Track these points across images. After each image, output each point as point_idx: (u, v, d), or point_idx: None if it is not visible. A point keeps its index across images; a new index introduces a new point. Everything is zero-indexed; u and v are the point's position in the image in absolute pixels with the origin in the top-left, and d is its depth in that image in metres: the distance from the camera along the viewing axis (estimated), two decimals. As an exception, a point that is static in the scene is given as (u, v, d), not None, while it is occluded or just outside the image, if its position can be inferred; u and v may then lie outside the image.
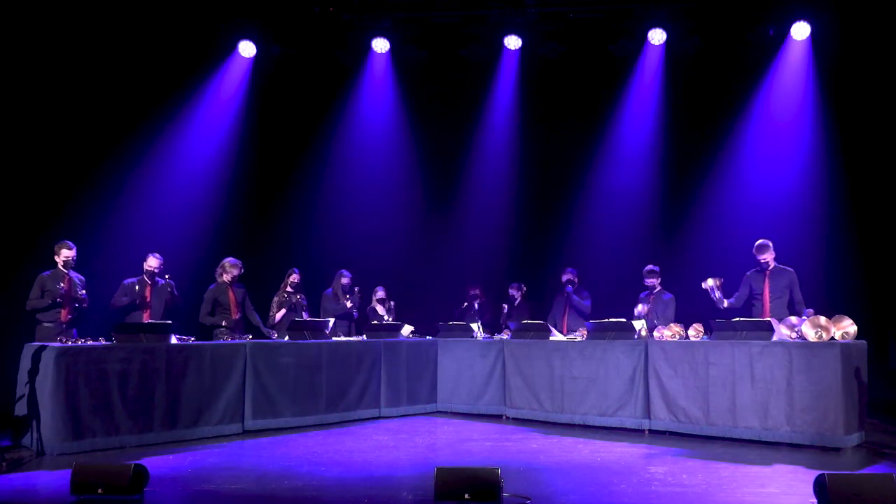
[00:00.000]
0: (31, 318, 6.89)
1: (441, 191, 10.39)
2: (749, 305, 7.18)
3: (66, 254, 6.91)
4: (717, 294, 7.05)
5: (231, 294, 7.59)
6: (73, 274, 7.00)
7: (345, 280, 8.47)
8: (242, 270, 7.68)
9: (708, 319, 6.70)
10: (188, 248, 8.77)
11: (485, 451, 5.90)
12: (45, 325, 6.86)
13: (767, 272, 7.07)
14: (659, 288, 7.92)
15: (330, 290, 8.53)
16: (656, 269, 7.94)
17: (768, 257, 7.04)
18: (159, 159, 9.19)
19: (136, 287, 7.29)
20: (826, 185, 9.04)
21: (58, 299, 6.83)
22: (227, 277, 7.59)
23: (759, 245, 7.08)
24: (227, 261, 7.64)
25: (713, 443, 6.14)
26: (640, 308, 7.79)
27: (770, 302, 7.02)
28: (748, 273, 7.26)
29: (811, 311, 6.59)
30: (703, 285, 7.08)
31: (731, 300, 7.15)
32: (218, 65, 9.54)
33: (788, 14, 8.83)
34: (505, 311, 8.77)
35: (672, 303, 7.83)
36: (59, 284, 6.83)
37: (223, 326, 7.45)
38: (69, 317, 6.94)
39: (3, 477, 4.99)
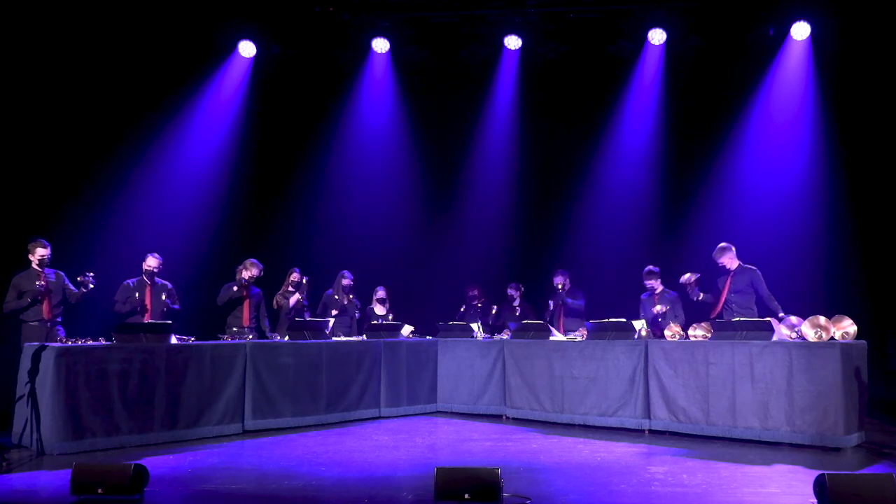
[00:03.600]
0: (16, 319, 6.84)
1: (441, 190, 10.39)
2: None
3: (40, 252, 6.84)
4: (694, 286, 7.42)
5: (246, 294, 7.69)
6: (49, 271, 6.93)
7: (346, 281, 8.48)
8: (262, 273, 7.76)
9: (708, 319, 6.71)
10: (188, 249, 8.78)
11: (485, 451, 5.90)
12: (31, 324, 6.81)
13: (732, 272, 7.34)
14: (661, 288, 7.89)
15: (331, 290, 8.54)
16: (656, 269, 7.91)
17: (725, 261, 7.33)
18: (159, 159, 9.18)
19: (136, 288, 7.29)
20: (826, 184, 9.04)
21: (38, 297, 6.79)
22: (245, 275, 7.68)
23: (718, 249, 7.38)
24: (249, 260, 7.77)
25: (713, 443, 6.14)
26: (658, 308, 7.71)
27: (724, 298, 7.32)
28: (718, 279, 7.48)
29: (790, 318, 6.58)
30: (682, 280, 7.43)
31: (708, 295, 7.49)
32: (218, 65, 9.53)
33: (788, 14, 8.83)
34: (494, 310, 8.81)
35: (679, 300, 7.82)
36: (37, 283, 6.77)
37: (233, 329, 7.57)
38: (51, 314, 6.88)
39: (3, 477, 4.99)
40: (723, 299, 7.32)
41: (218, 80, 9.58)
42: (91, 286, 6.88)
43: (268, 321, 7.95)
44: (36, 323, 6.82)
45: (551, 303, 8.56)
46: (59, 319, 6.98)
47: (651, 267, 7.92)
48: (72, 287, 6.99)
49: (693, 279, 7.41)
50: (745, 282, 7.25)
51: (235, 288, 7.64)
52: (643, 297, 8.02)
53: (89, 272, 6.88)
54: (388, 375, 7.71)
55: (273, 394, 6.89)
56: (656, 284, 7.87)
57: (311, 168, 10.13)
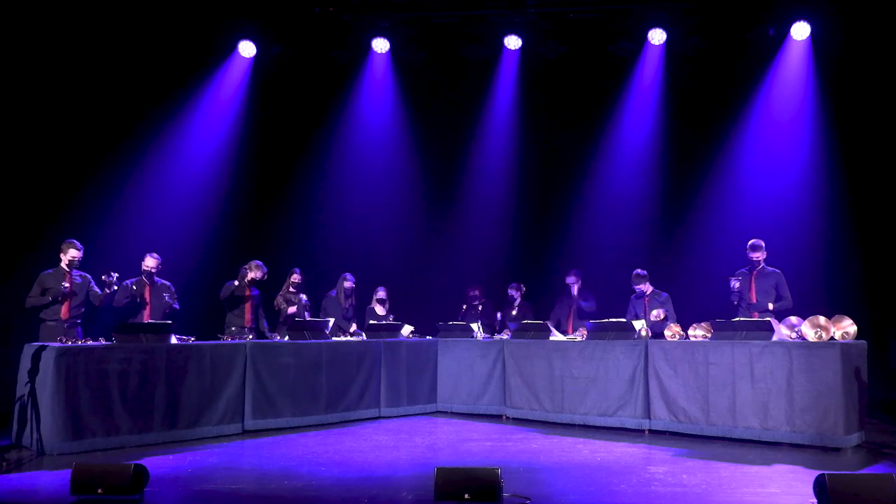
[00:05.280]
0: (34, 317, 6.89)
1: (441, 190, 10.39)
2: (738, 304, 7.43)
3: (73, 254, 6.90)
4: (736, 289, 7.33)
5: (248, 294, 7.72)
6: (76, 273, 6.97)
7: (347, 284, 8.48)
8: (265, 277, 7.77)
9: (708, 319, 6.70)
10: (188, 249, 8.78)
11: (485, 451, 5.90)
12: (49, 323, 6.86)
13: (755, 272, 7.31)
14: (651, 289, 7.88)
15: (334, 291, 8.55)
16: (643, 272, 7.90)
17: (760, 256, 7.32)
18: (159, 159, 9.18)
19: (135, 288, 7.30)
20: (826, 185, 9.05)
21: (59, 297, 6.82)
22: (249, 276, 7.70)
23: (752, 244, 7.36)
24: (255, 262, 7.79)
25: (713, 443, 6.14)
26: (655, 313, 7.63)
27: (756, 301, 7.26)
28: (738, 272, 7.45)
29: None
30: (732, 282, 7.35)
31: (735, 294, 7.41)
32: (218, 65, 9.54)
33: (788, 14, 8.83)
34: (500, 316, 8.80)
35: (670, 300, 7.82)
36: (62, 283, 6.82)
37: (232, 329, 7.57)
38: (70, 315, 6.92)
39: (3, 477, 4.99)
40: (753, 300, 7.28)
41: (218, 80, 9.58)
42: (115, 287, 6.92)
43: (266, 322, 7.96)
44: (53, 323, 6.86)
45: (564, 303, 8.55)
46: (78, 321, 7.01)
47: (638, 270, 7.92)
48: (97, 289, 7.01)
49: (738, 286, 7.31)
50: (771, 283, 7.25)
51: (237, 283, 7.66)
52: (633, 297, 8.00)
53: (113, 272, 6.91)
54: (388, 375, 7.71)
55: (273, 394, 6.89)
56: (645, 287, 7.88)
57: (312, 168, 10.13)
